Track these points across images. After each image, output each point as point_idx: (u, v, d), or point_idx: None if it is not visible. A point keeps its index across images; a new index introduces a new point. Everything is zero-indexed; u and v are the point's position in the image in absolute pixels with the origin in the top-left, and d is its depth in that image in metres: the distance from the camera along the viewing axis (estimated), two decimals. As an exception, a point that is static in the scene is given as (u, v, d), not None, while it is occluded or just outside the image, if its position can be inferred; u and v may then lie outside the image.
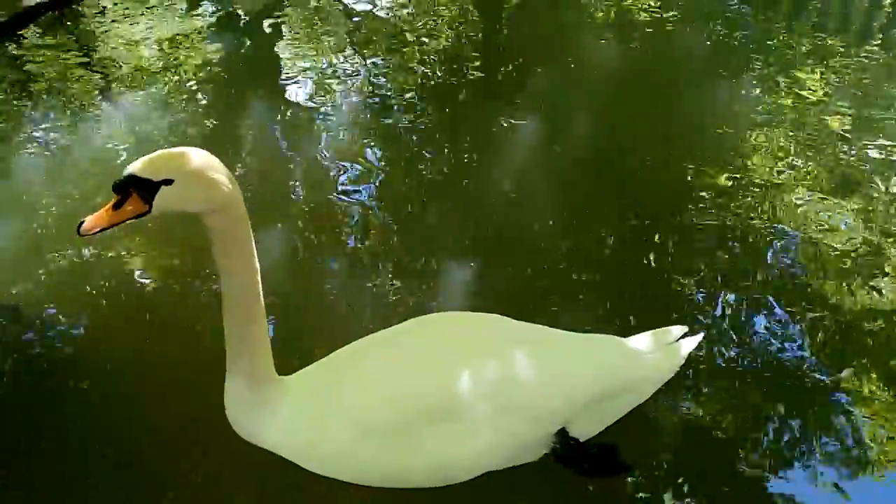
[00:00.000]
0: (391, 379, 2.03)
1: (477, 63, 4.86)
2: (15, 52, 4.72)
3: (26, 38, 4.84)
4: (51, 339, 2.78)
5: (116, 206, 1.70)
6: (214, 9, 5.36)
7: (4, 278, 2.99)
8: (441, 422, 1.96)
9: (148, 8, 5.32)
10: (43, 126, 4.03)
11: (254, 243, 1.90)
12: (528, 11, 5.97)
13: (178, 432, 2.33)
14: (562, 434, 2.07)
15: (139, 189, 1.67)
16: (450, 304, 2.91)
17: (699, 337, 2.36)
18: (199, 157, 1.74)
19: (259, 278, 1.93)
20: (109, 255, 3.11)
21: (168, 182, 1.67)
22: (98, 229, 1.69)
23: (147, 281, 3.01)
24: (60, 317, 2.84)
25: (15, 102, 4.25)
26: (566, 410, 2.08)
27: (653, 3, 5.75)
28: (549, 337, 2.25)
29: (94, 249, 3.11)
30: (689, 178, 3.72)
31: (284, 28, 5.21)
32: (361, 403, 2.00)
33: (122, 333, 2.77)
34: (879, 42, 5.35)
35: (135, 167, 1.67)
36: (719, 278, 3.09)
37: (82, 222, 1.70)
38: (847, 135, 4.10)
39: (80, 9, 5.23)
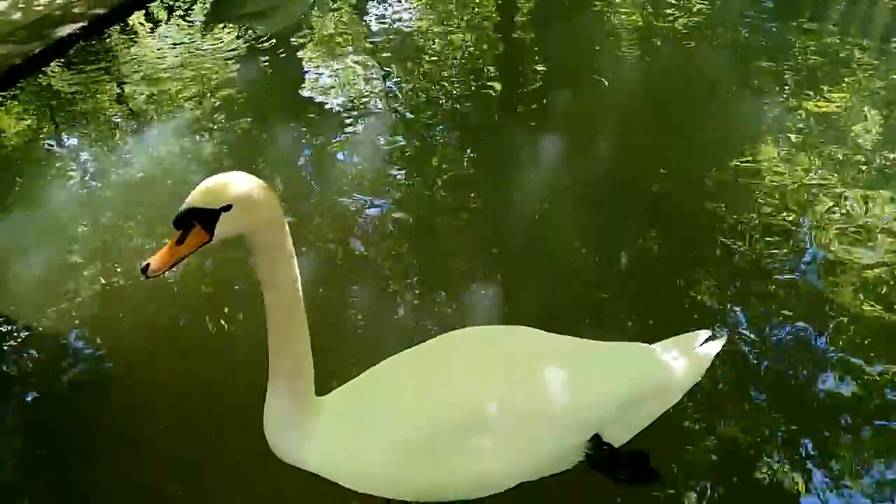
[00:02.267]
0: (426, 395, 2.07)
1: (497, 81, 4.93)
2: (46, 82, 4.84)
3: (58, 69, 4.96)
4: (84, 365, 2.82)
5: (179, 241, 1.71)
6: (237, 34, 5.47)
7: (38, 304, 3.05)
8: (477, 435, 1.99)
9: (174, 32, 5.44)
10: (74, 153, 4.10)
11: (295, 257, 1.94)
12: (548, 29, 6.01)
13: (216, 457, 2.36)
14: (595, 440, 2.11)
15: (201, 220, 1.70)
16: (477, 319, 2.95)
17: (722, 341, 2.40)
18: (249, 180, 1.79)
19: (301, 293, 1.97)
20: (142, 280, 3.13)
21: (227, 208, 1.71)
22: (165, 269, 1.70)
23: (182, 308, 3.05)
24: (94, 343, 2.89)
25: (46, 131, 4.33)
26: (599, 417, 2.11)
27: (674, 18, 5.80)
28: (579, 347, 2.29)
29: (127, 279, 3.14)
30: (711, 189, 3.76)
31: (305, 50, 5.30)
32: (399, 420, 2.03)
33: (158, 359, 2.81)
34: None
35: (195, 199, 1.70)
36: (742, 286, 3.13)
37: (147, 264, 1.68)
38: (870, 144, 4.14)
39: (109, 38, 5.36)
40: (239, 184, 1.75)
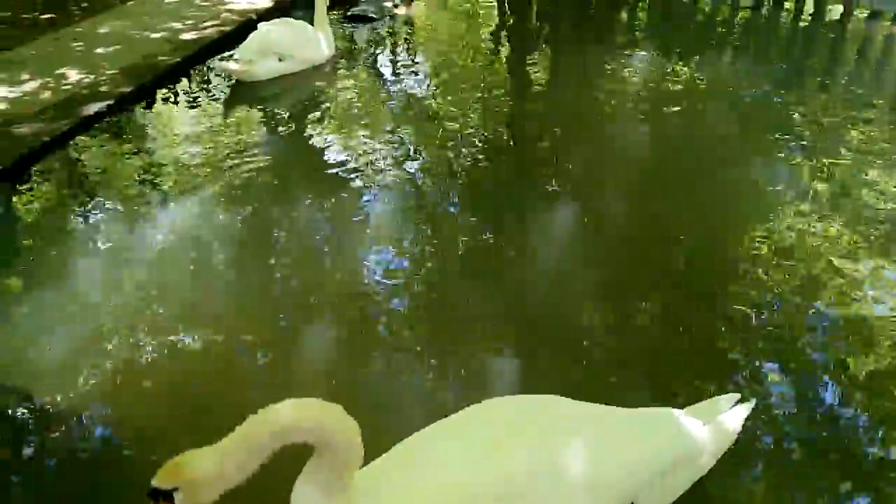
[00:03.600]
0: (460, 468, 2.07)
1: (511, 147, 5.14)
2: (74, 158, 5.00)
3: (84, 145, 5.12)
4: (104, 442, 2.85)
5: None
6: (258, 113, 5.68)
7: (60, 381, 3.08)
8: (516, 506, 2.04)
9: (197, 110, 5.65)
10: (98, 228, 4.23)
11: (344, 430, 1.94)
12: (558, 90, 6.27)
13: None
14: (632, 510, 2.17)
15: (163, 497, 1.79)
16: (499, 388, 2.98)
17: (751, 404, 2.48)
18: (188, 466, 1.81)
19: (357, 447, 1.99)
20: (165, 353, 3.21)
21: (176, 489, 1.78)
22: None
23: (204, 384, 3.09)
24: (114, 420, 2.91)
25: (71, 207, 4.47)
26: (634, 486, 2.15)
27: (684, 85, 6.04)
28: (609, 414, 2.33)
29: (149, 356, 3.22)
30: (726, 249, 3.89)
31: (322, 124, 5.48)
32: (436, 494, 2.03)
33: (178, 435, 2.81)
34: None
35: (154, 478, 1.79)
36: (765, 346, 3.21)
37: None
38: (886, 205, 4.28)
39: (134, 116, 5.56)
40: (181, 469, 1.80)
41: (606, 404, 2.40)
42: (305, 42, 6.14)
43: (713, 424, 2.40)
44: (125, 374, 3.11)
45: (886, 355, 3.18)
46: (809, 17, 7.88)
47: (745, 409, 2.46)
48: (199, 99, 5.83)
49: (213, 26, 6.91)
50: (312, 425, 1.89)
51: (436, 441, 2.21)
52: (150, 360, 3.19)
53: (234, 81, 5.96)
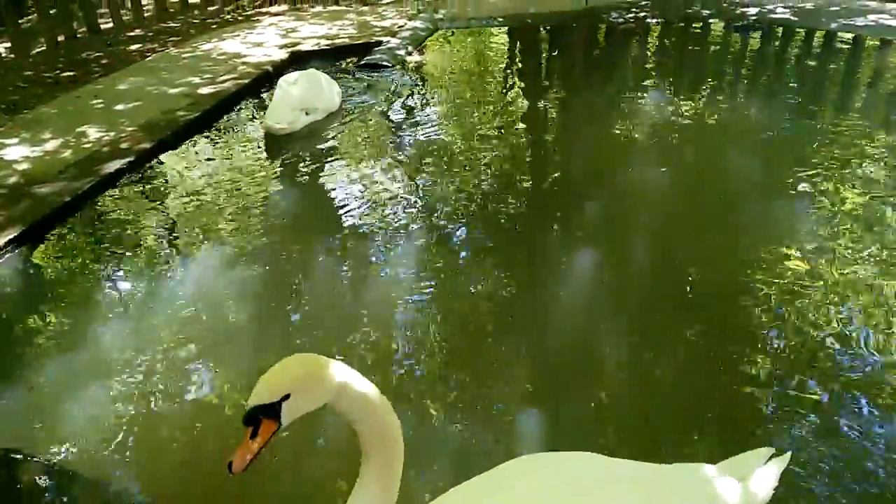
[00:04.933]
0: None
1: (526, 187, 5.15)
2: (95, 216, 5.06)
3: (106, 203, 5.20)
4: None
5: (252, 436, 1.80)
6: (278, 163, 5.77)
7: (84, 443, 3.07)
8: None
9: (214, 159, 5.76)
10: (120, 285, 4.26)
11: (385, 402, 1.99)
12: (572, 131, 6.33)
13: None
14: (675, 571, 2.12)
15: (265, 414, 1.80)
16: (525, 443, 2.96)
17: (787, 457, 2.43)
18: (300, 364, 1.86)
19: (399, 429, 2.02)
20: (188, 418, 3.21)
21: (286, 397, 1.79)
22: (246, 465, 1.79)
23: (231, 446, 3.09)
24: (140, 483, 2.90)
25: (93, 266, 4.51)
26: (677, 547, 2.13)
27: (697, 120, 6.07)
28: (643, 471, 2.31)
29: (172, 416, 3.21)
30: (755, 294, 3.81)
31: (339, 168, 5.56)
32: None
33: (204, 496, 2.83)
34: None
35: (254, 398, 1.79)
36: (797, 392, 3.14)
37: (231, 462, 1.78)
38: None
39: (154, 171, 5.67)
40: (291, 372, 1.84)
41: (637, 459, 2.35)
42: (325, 92, 6.32)
43: (748, 479, 2.34)
44: (146, 437, 3.11)
45: None
46: (820, 45, 7.91)
47: (781, 462, 2.40)
48: (219, 152, 5.92)
49: (230, 79, 7.06)
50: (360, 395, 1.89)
51: (471, 499, 2.18)
52: (169, 419, 3.19)
53: (257, 134, 6.07)
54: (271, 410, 1.79)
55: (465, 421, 3.12)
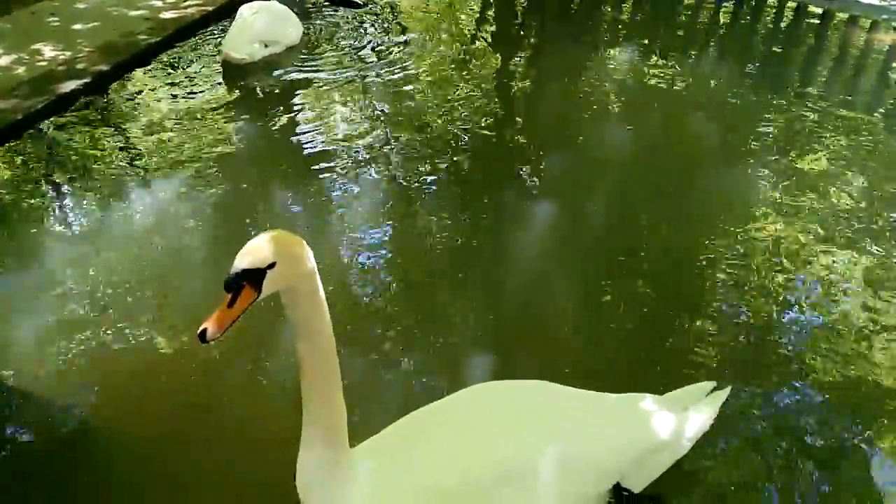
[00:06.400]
0: (458, 447, 2.15)
1: (489, 137, 5.14)
2: (47, 136, 4.89)
3: (59, 123, 5.02)
4: (79, 426, 2.85)
5: (230, 304, 1.80)
6: (238, 91, 5.62)
7: (32, 366, 3.05)
8: (508, 486, 2.09)
9: (175, 88, 5.55)
10: (73, 209, 4.15)
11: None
12: (540, 85, 6.30)
13: None
14: (617, 489, 2.22)
15: (249, 280, 1.81)
16: (480, 380, 3.00)
17: (727, 391, 2.55)
18: (288, 238, 1.90)
19: (334, 342, 2.06)
20: (140, 338, 3.19)
21: (272, 266, 1.81)
22: (223, 332, 1.78)
23: (183, 363, 3.09)
24: (88, 405, 2.90)
25: (45, 184, 4.39)
26: (620, 466, 2.24)
27: (664, 84, 6.10)
28: (594, 399, 2.41)
29: (121, 341, 3.18)
30: (707, 248, 3.96)
31: (305, 106, 5.46)
32: (432, 473, 2.11)
33: (158, 418, 2.84)
34: (884, 112, 5.82)
35: (244, 261, 1.80)
36: (740, 337, 3.33)
37: (204, 330, 1.75)
38: (858, 204, 4.42)
39: (111, 94, 5.48)
40: (281, 242, 1.87)
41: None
42: (287, 26, 6.15)
43: (692, 410, 2.46)
44: (99, 358, 3.08)
45: (855, 346, 3.30)
46: (791, 17, 8.00)
47: (721, 395, 2.52)
48: (178, 80, 5.74)
49: (194, 5, 6.80)
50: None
51: (431, 421, 2.28)
52: (119, 347, 3.16)
53: (215, 63, 5.89)
54: (256, 277, 1.79)
55: (417, 357, 3.19)
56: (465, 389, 2.42)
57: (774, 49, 7.43)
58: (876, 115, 5.91)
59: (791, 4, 8.16)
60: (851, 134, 5.39)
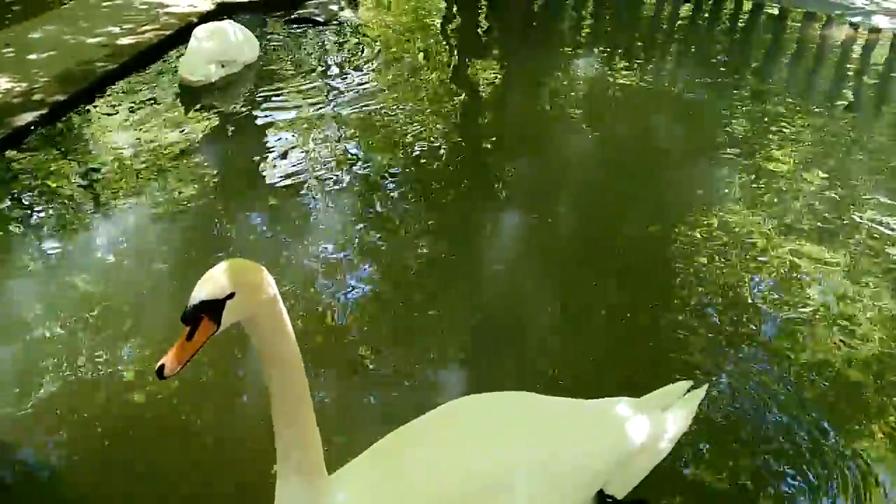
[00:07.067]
0: (438, 468, 2.10)
1: (457, 148, 5.13)
2: (4, 167, 4.73)
3: (16, 155, 4.87)
4: (49, 467, 2.73)
5: (189, 337, 1.73)
6: (200, 112, 5.52)
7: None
8: (497, 498, 2.05)
9: (135, 115, 5.43)
10: (32, 240, 4.04)
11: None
12: (505, 94, 6.32)
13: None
14: (600, 495, 2.19)
15: (209, 312, 1.74)
16: (459, 392, 2.94)
17: (704, 389, 2.53)
18: (246, 266, 1.84)
19: (303, 366, 2.00)
20: (108, 371, 3.10)
21: (231, 296, 1.76)
22: (181, 366, 1.71)
23: (151, 396, 3.00)
24: (57, 442, 2.79)
25: (2, 218, 4.24)
26: (604, 472, 2.21)
27: (625, 87, 6.13)
28: (573, 407, 2.39)
29: (91, 372, 3.09)
30: (677, 247, 3.98)
31: (267, 128, 5.37)
32: (416, 491, 2.05)
33: (131, 453, 2.75)
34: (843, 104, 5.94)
35: (202, 292, 1.72)
36: (715, 334, 3.33)
37: (162, 366, 1.69)
38: (815, 200, 4.48)
39: (68, 123, 5.34)
40: (239, 271, 1.81)
41: (569, 397, 2.45)
42: (242, 44, 6.11)
43: (669, 410, 2.44)
44: (66, 394, 2.99)
45: (827, 340, 3.33)
46: (748, 16, 8.13)
47: (698, 394, 2.51)
48: (137, 106, 5.62)
49: (152, 30, 6.72)
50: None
51: (412, 440, 2.22)
52: (84, 377, 3.06)
53: (173, 87, 5.81)
54: (215, 308, 1.73)
55: (391, 375, 3.13)
56: (442, 407, 2.36)
57: (734, 47, 7.55)
58: (835, 107, 6.02)
59: (747, 6, 8.31)
60: (812, 127, 5.47)
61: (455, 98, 5.97)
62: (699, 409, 2.50)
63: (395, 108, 5.66)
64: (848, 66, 6.96)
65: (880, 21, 7.68)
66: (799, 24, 7.95)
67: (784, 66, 7.03)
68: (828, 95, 6.35)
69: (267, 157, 4.95)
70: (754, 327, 3.37)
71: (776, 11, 8.10)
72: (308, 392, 2.02)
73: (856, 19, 7.76)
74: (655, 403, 2.46)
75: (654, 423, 2.36)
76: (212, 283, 1.75)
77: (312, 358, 3.06)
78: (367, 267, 3.84)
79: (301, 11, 7.39)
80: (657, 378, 2.79)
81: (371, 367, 3.17)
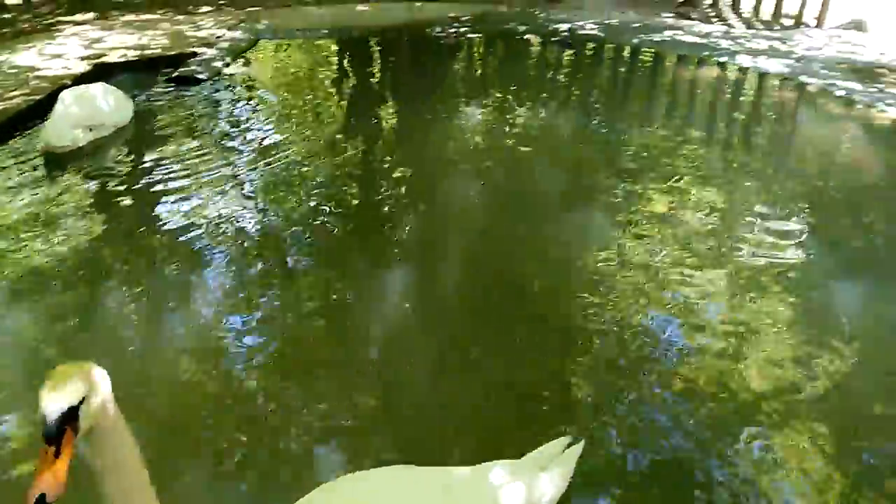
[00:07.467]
0: None
1: (352, 195, 5.11)
2: None
3: None
4: None
5: (57, 454, 1.53)
6: (63, 182, 5.23)
7: None
8: None
9: (16, 183, 5.11)
10: None
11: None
12: (399, 144, 6.35)
13: None
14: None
15: (70, 421, 1.56)
16: (348, 460, 2.91)
17: (581, 445, 2.52)
18: (80, 365, 1.66)
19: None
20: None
21: (82, 401, 1.59)
22: (63, 486, 1.50)
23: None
24: None
25: None
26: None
27: (517, 135, 6.24)
28: (456, 475, 2.31)
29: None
30: (569, 292, 4.00)
31: (158, 188, 5.13)
32: None
33: None
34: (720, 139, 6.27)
35: (64, 400, 1.55)
36: (601, 385, 3.32)
37: (43, 494, 1.47)
38: (713, 221, 4.69)
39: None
40: (78, 371, 1.64)
41: (445, 464, 2.38)
42: (112, 107, 5.89)
43: (549, 469, 2.41)
44: None
45: (722, 362, 3.40)
46: (627, 59, 8.55)
47: (576, 450, 2.49)
48: (4, 176, 5.28)
49: (20, 95, 6.39)
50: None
51: None
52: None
53: (41, 153, 5.49)
54: (74, 416, 1.57)
55: (285, 435, 2.99)
56: (319, 488, 2.23)
57: (614, 90, 7.89)
58: (713, 139, 6.37)
59: (626, 47, 8.76)
60: (691, 158, 5.74)
61: (345, 152, 5.88)
62: (580, 464, 2.48)
63: (280, 163, 5.53)
64: (718, 101, 7.42)
65: (743, 60, 8.22)
66: (673, 66, 8.42)
67: (663, 104, 7.40)
68: (705, 129, 6.70)
69: (142, 223, 4.70)
70: (648, 364, 3.39)
71: (651, 57, 8.56)
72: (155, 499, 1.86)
73: (723, 59, 8.29)
74: (533, 464, 2.42)
75: (530, 487, 2.31)
76: (65, 391, 1.57)
77: (204, 426, 3.00)
78: (257, 321, 3.70)
79: (183, 70, 7.21)
80: (548, 433, 2.77)
81: (250, 433, 3.00)
